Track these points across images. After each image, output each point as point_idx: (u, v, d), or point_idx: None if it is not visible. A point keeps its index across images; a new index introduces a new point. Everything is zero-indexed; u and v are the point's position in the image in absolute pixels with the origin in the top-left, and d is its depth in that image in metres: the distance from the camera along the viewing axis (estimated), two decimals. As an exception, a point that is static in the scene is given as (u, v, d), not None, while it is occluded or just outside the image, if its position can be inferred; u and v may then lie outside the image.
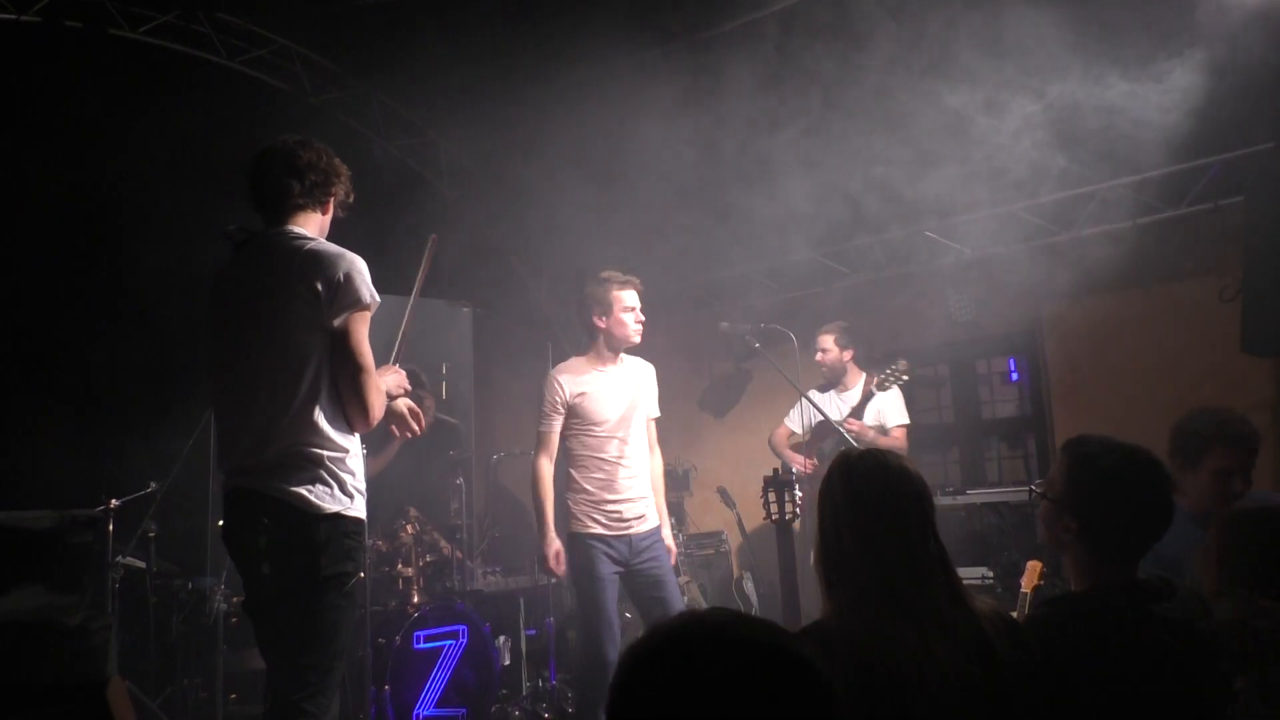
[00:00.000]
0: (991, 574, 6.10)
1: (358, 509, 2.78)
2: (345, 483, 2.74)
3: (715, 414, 7.96)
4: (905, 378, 5.43)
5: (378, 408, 2.75)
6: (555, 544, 4.39)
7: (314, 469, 2.68)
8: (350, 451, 2.78)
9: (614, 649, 4.18)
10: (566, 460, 4.50)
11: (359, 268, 2.75)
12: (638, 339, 4.49)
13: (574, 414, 4.43)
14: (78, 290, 5.66)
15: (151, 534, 5.07)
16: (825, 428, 5.64)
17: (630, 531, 4.37)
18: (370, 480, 2.95)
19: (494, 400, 8.11)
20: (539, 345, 7.83)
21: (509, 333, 7.76)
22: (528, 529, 7.60)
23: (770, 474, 3.89)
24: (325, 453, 2.70)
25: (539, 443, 4.48)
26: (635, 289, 4.47)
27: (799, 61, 5.36)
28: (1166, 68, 4.84)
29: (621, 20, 5.75)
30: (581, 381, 4.46)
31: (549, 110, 6.21)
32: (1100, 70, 4.97)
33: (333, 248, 2.79)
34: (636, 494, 4.44)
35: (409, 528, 5.60)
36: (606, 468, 4.40)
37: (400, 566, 5.52)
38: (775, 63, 5.41)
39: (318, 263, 2.72)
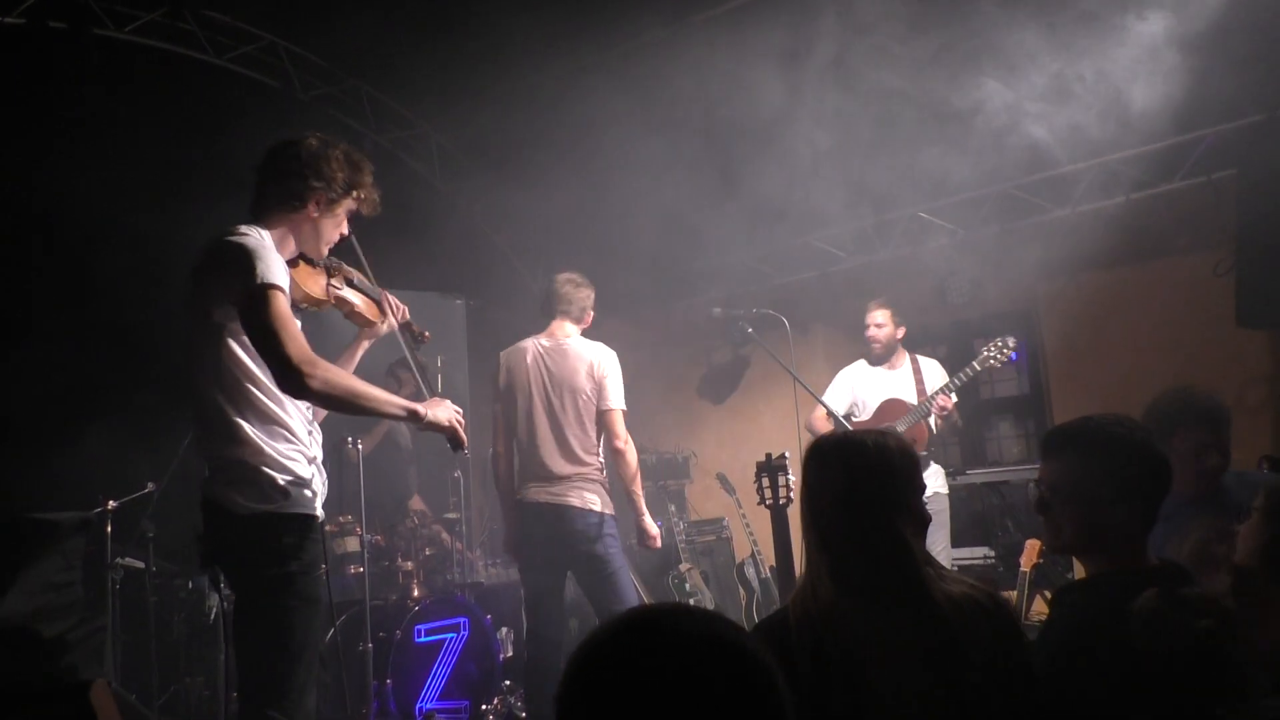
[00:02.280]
0: (992, 553, 6.11)
1: (296, 505, 2.65)
2: (273, 480, 2.62)
3: (714, 400, 7.96)
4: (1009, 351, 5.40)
5: (297, 357, 2.51)
6: None
7: (235, 470, 2.62)
8: (276, 448, 2.65)
9: None
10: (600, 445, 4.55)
11: (249, 249, 2.58)
12: None
13: None
14: (75, 287, 5.65)
15: (150, 534, 5.08)
16: (895, 407, 5.56)
17: None
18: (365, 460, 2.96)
19: (490, 392, 8.09)
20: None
21: (503, 324, 7.73)
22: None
23: (764, 459, 3.90)
24: (245, 451, 2.62)
25: (623, 419, 4.56)
26: None
27: (792, 45, 5.33)
28: (1157, 41, 4.81)
29: (616, 7, 5.73)
30: None
31: (540, 100, 6.19)
32: (1089, 45, 4.95)
33: (233, 238, 2.63)
34: None
35: (408, 521, 5.61)
36: None
37: (400, 560, 5.53)
38: (770, 48, 5.38)
39: (211, 255, 2.63)
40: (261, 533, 2.60)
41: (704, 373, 8.05)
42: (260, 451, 2.62)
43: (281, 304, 2.55)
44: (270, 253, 2.62)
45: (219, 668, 4.99)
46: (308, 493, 2.69)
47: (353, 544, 5.50)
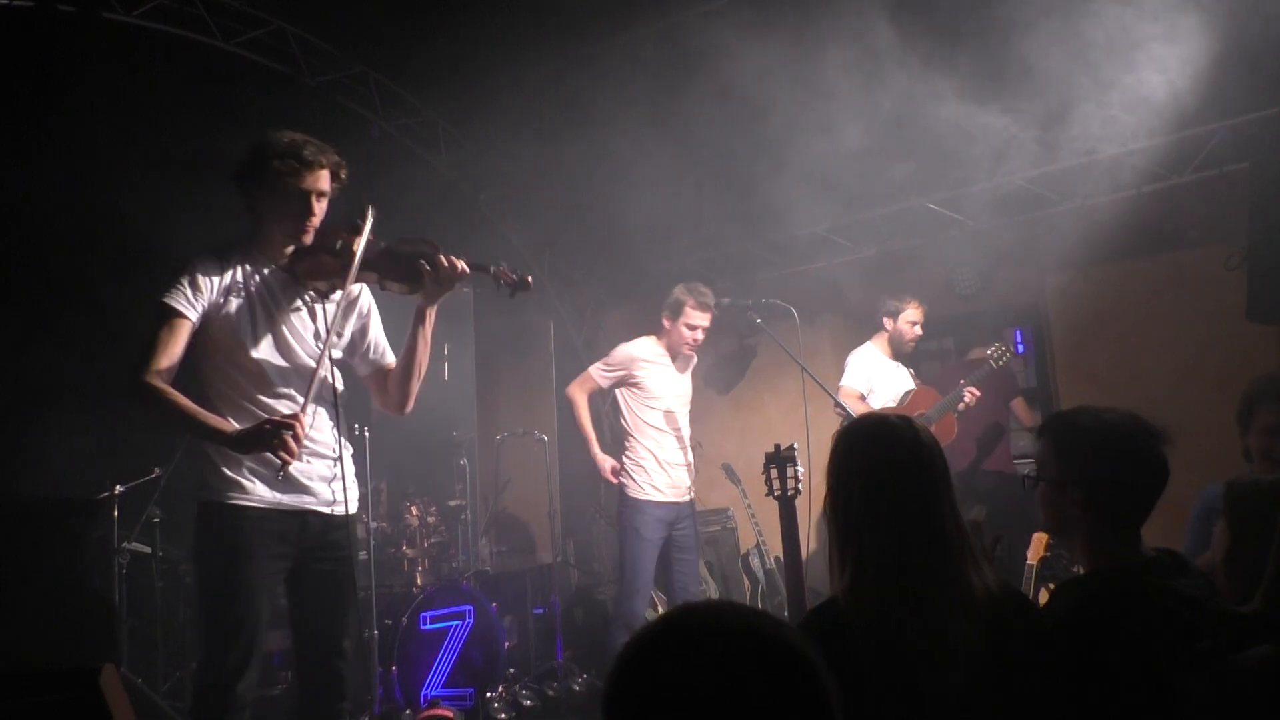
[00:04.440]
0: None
1: (217, 494, 2.82)
2: (206, 470, 2.85)
3: (719, 391, 7.94)
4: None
5: (131, 370, 2.72)
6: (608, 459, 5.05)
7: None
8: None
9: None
10: (625, 424, 5.07)
11: (177, 266, 2.82)
12: (689, 353, 5.16)
13: (635, 384, 5.02)
14: (76, 276, 5.64)
15: (156, 519, 5.09)
16: (925, 397, 5.69)
17: (680, 501, 5.00)
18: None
19: (497, 381, 8.10)
20: (541, 325, 7.83)
21: (511, 313, 7.74)
22: (532, 510, 7.63)
23: (773, 450, 3.89)
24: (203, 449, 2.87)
25: (581, 378, 5.17)
26: (709, 314, 5.04)
27: (802, 35, 5.29)
28: (1170, 34, 4.77)
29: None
30: (648, 354, 5.08)
31: (549, 88, 6.16)
32: (1101, 38, 4.91)
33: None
34: (686, 461, 5.08)
35: (413, 509, 5.61)
36: (664, 435, 5.00)
37: (404, 548, 5.53)
38: (781, 38, 5.34)
39: None
40: (198, 520, 2.85)
41: (709, 363, 8.03)
42: (204, 446, 2.85)
43: (163, 323, 2.75)
44: (183, 277, 2.79)
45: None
46: (234, 481, 2.82)
47: (358, 531, 5.50)
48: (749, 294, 5.87)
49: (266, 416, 2.74)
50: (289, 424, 2.65)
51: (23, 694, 1.55)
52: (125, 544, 4.91)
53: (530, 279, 3.13)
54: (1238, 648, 1.84)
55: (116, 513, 4.90)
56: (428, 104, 7.11)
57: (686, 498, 5.05)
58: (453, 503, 5.99)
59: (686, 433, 5.16)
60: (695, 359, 5.33)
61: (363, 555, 5.37)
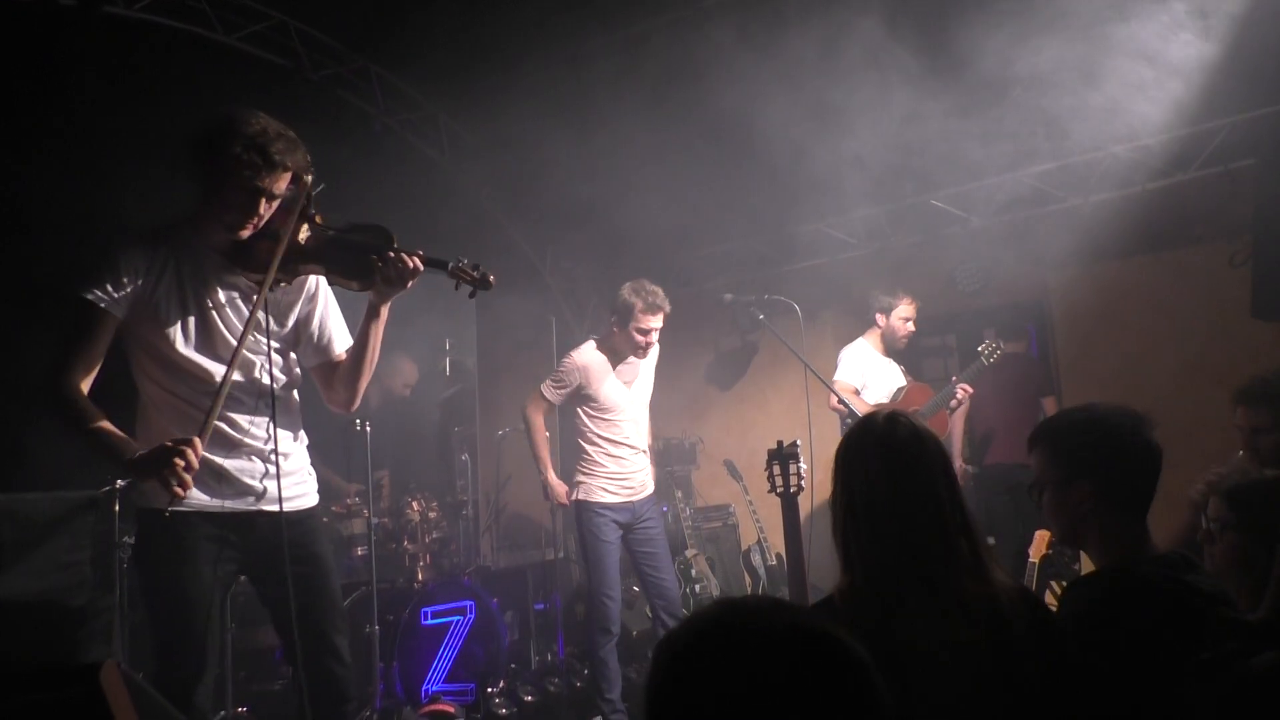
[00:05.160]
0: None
1: (144, 500, 2.70)
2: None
3: (721, 387, 7.94)
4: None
5: (44, 372, 2.57)
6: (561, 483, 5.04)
7: None
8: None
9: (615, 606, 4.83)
10: (579, 435, 4.97)
11: (98, 249, 2.65)
12: (641, 357, 4.93)
13: (586, 397, 4.89)
14: (79, 274, 5.63)
15: (157, 514, 5.06)
16: (919, 393, 5.74)
17: (634, 499, 4.92)
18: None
19: (499, 375, 8.09)
20: (543, 320, 7.80)
21: (513, 307, 7.73)
22: (534, 505, 7.63)
23: (774, 447, 3.87)
24: None
25: (535, 398, 5.00)
26: (660, 314, 4.82)
27: (807, 33, 5.27)
28: (1175, 30, 4.76)
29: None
30: (596, 368, 4.89)
31: (551, 84, 6.15)
32: (1106, 34, 4.89)
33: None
34: (641, 466, 5.00)
35: (415, 504, 5.60)
36: (618, 447, 4.91)
37: (406, 543, 5.52)
38: (783, 34, 5.33)
39: None
40: (137, 527, 2.77)
41: (711, 359, 8.03)
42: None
43: (78, 316, 2.56)
44: (104, 265, 2.60)
45: (226, 647, 4.98)
46: (158, 488, 2.47)
47: (359, 526, 5.50)
48: (752, 290, 5.87)
49: (157, 422, 2.62)
50: (181, 450, 2.38)
51: (23, 691, 1.55)
52: (127, 538, 4.90)
53: (492, 278, 2.79)
54: (1244, 655, 1.82)
55: (118, 507, 4.89)
56: (429, 98, 7.09)
57: (642, 494, 4.97)
58: (454, 498, 5.98)
59: (645, 433, 5.09)
60: (655, 351, 5.04)
61: (363, 550, 5.37)
